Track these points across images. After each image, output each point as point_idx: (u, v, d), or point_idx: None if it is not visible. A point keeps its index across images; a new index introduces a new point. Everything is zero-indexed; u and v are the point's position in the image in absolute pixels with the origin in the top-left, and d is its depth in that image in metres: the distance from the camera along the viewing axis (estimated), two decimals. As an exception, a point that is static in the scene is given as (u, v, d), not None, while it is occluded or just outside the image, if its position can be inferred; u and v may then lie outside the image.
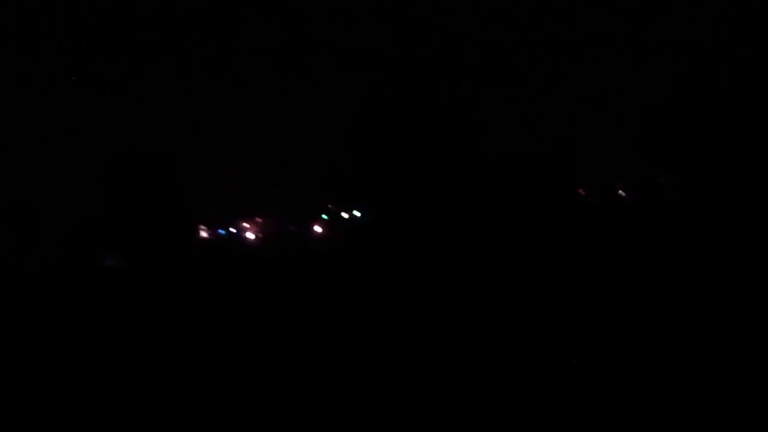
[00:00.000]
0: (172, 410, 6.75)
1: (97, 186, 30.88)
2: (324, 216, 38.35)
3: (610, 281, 12.33)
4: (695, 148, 27.89)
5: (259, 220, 37.48)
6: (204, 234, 36.46)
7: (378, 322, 10.51)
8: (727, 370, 6.03)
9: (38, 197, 31.59)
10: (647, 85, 35.51)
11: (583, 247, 18.62)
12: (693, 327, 7.95)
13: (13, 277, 26.79)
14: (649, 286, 11.29)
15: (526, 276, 15.17)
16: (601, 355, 6.93)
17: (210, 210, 37.14)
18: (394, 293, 13.67)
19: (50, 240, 30.43)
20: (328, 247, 31.72)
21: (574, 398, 5.69)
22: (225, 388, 7.40)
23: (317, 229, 36.50)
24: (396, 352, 8.31)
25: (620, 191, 33.52)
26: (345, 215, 37.16)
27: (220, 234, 36.92)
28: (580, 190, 34.84)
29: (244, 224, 37.46)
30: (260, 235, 36.94)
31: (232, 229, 37.44)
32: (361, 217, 34.83)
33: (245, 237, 37.05)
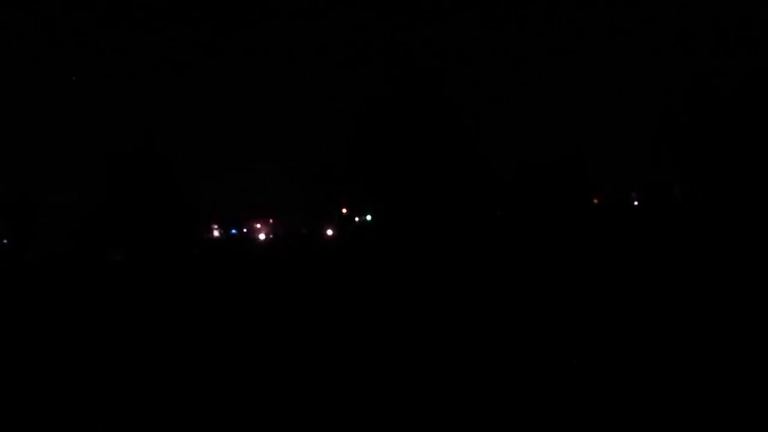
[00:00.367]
0: (170, 406, 6.77)
1: (101, 182, 31.57)
2: (336, 219, 38.64)
3: (615, 283, 12.08)
4: (707, 154, 27.37)
5: (272, 221, 37.84)
6: (216, 233, 36.89)
7: (382, 321, 10.45)
8: (726, 370, 5.83)
9: (41, 191, 32.37)
10: (658, 91, 35.08)
11: (591, 251, 18.31)
12: (696, 329, 7.74)
13: (16, 268, 27.22)
14: (655, 287, 11.03)
15: (526, 277, 15.03)
16: (600, 355, 6.73)
17: (222, 209, 37.58)
18: (398, 292, 13.62)
19: (53, 233, 31.10)
20: (337, 248, 31.72)
21: (574, 398, 5.55)
22: (224, 385, 7.41)
23: (328, 231, 36.70)
24: (398, 350, 8.24)
25: (633, 198, 33.09)
26: (356, 219, 37.36)
27: (232, 233, 37.32)
28: (594, 199, 34.50)
29: (257, 225, 37.85)
30: (272, 235, 37.26)
31: (244, 229, 37.83)
32: (370, 220, 34.93)
33: (257, 237, 37.38)
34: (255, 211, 38.00)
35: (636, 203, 32.84)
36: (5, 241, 32.69)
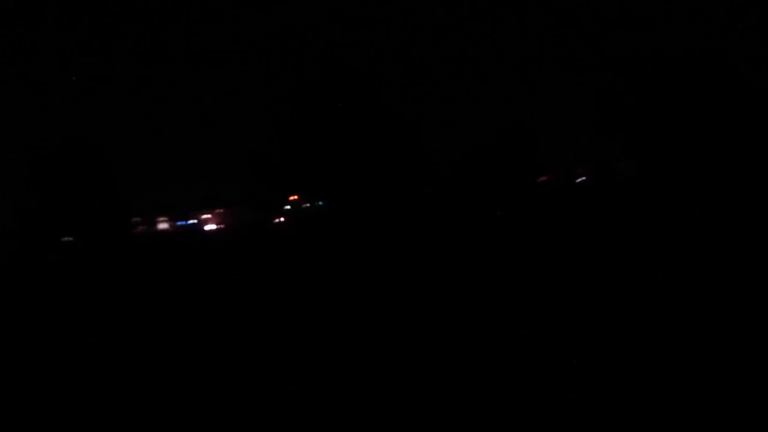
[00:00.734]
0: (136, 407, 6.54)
1: (33, 178, 30.66)
2: (286, 207, 38.15)
3: (573, 270, 12.07)
4: (653, 132, 28.24)
5: (220, 211, 37.10)
6: (164, 225, 36.02)
7: (345, 313, 10.34)
8: (726, 370, 5.91)
9: None
10: (603, 67, 35.93)
11: (544, 234, 18.51)
12: (666, 319, 7.81)
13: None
14: (614, 273, 11.06)
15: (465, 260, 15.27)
16: (597, 354, 6.74)
17: (170, 201, 36.79)
18: (361, 282, 13.55)
19: None
20: (290, 237, 31.42)
21: (574, 398, 5.54)
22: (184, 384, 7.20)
23: (279, 219, 36.23)
24: (374, 345, 8.14)
25: (579, 176, 33.93)
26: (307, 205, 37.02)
27: (179, 225, 36.49)
28: (542, 177, 35.19)
29: (205, 215, 37.06)
30: (222, 225, 36.55)
31: (192, 221, 37.03)
32: (322, 207, 34.68)
33: (206, 228, 36.63)
34: (202, 202, 37.58)
35: (581, 180, 33.68)
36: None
